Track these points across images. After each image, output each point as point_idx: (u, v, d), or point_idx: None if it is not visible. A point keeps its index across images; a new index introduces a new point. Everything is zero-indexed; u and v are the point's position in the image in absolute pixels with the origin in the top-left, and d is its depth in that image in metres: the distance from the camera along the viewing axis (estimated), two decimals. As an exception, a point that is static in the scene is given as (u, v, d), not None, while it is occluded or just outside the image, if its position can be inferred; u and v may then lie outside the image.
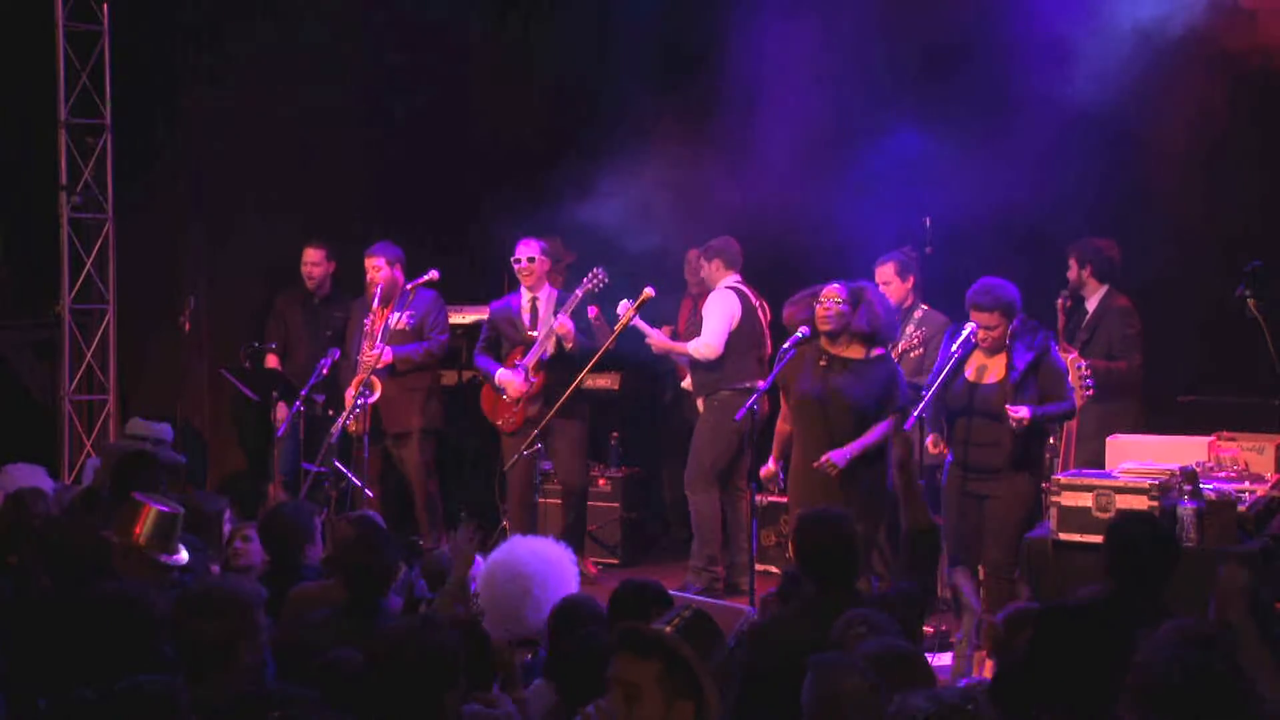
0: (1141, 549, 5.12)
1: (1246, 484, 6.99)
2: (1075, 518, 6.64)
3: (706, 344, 9.04)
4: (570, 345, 8.85)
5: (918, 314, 8.78)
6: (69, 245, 10.46)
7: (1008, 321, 7.34)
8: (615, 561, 9.85)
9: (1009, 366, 7.29)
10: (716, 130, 10.33)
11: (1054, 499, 6.76)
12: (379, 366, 9.06)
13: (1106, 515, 6.55)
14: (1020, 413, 7.09)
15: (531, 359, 8.98)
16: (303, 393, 8.92)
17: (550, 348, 8.92)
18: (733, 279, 9.24)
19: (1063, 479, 6.83)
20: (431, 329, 9.37)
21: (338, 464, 8.94)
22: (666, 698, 3.23)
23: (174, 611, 4.09)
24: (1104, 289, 8.89)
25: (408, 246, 9.58)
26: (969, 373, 7.36)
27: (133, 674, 3.56)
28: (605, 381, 10.19)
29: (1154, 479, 6.63)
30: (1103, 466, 7.41)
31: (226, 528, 6.51)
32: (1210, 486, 6.78)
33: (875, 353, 7.40)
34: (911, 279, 8.92)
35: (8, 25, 10.31)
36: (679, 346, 9.19)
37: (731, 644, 4.37)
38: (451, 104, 10.72)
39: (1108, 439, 7.75)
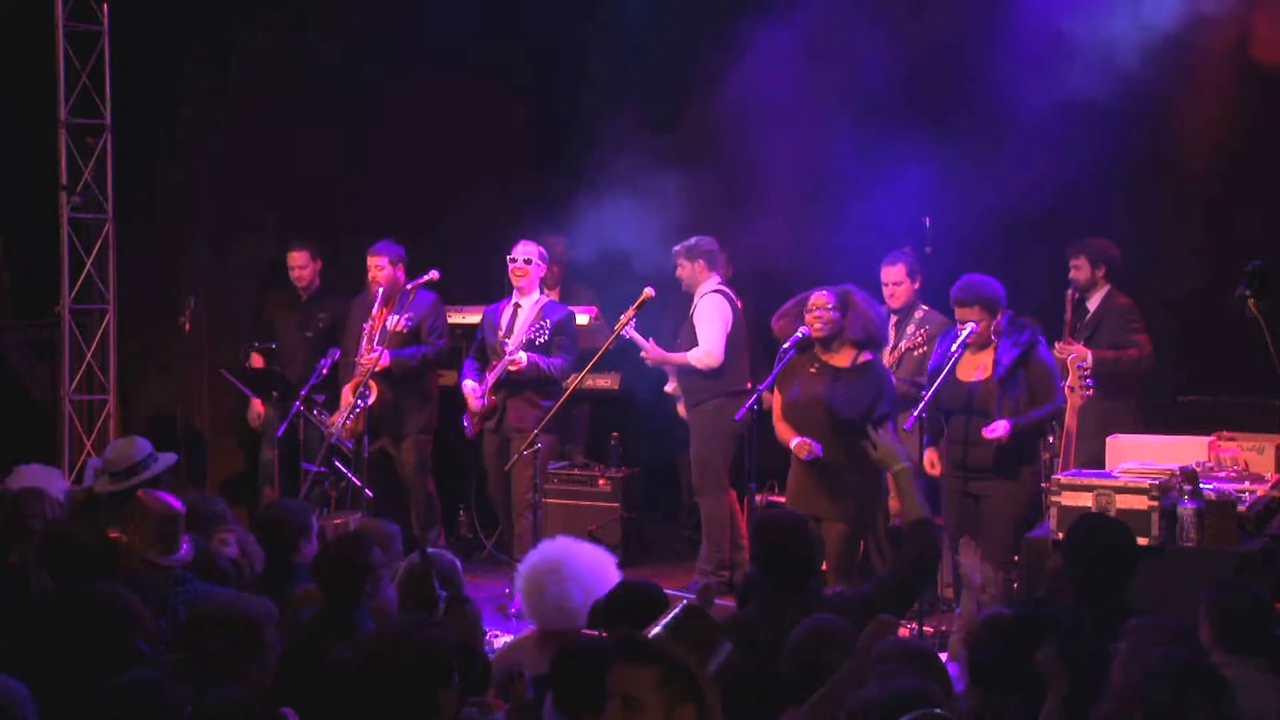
0: (1095, 557, 5.03)
1: (1246, 484, 6.99)
2: (1075, 518, 6.63)
3: (708, 353, 8.99)
4: (521, 368, 8.80)
5: (918, 314, 8.76)
6: (69, 245, 10.46)
7: (990, 317, 7.34)
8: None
9: (995, 363, 7.29)
10: (716, 133, 10.36)
11: (1054, 499, 6.75)
12: (376, 370, 9.04)
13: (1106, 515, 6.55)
14: (996, 431, 7.10)
15: (490, 379, 8.95)
16: (302, 392, 8.91)
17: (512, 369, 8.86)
18: (715, 281, 9.20)
19: (1063, 479, 6.82)
20: (430, 333, 9.35)
21: (337, 464, 8.94)
22: (668, 704, 3.15)
23: (186, 626, 4.11)
24: (1106, 288, 8.89)
25: (410, 246, 9.58)
26: (958, 372, 7.36)
27: (111, 672, 3.56)
28: (605, 381, 10.18)
29: (1154, 479, 6.62)
30: (1103, 466, 7.41)
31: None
32: (1210, 486, 6.77)
33: (863, 358, 7.40)
34: (918, 280, 8.91)
35: (7, 25, 10.32)
36: (677, 357, 9.12)
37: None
38: (451, 104, 10.71)
39: (1108, 439, 7.74)
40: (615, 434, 10.04)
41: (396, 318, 9.22)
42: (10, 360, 10.75)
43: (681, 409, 9.33)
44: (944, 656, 6.73)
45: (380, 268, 9.31)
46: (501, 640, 7.13)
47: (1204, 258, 9.48)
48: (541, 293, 9.27)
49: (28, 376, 10.78)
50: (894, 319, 8.69)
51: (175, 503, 5.58)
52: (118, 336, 10.65)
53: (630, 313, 8.53)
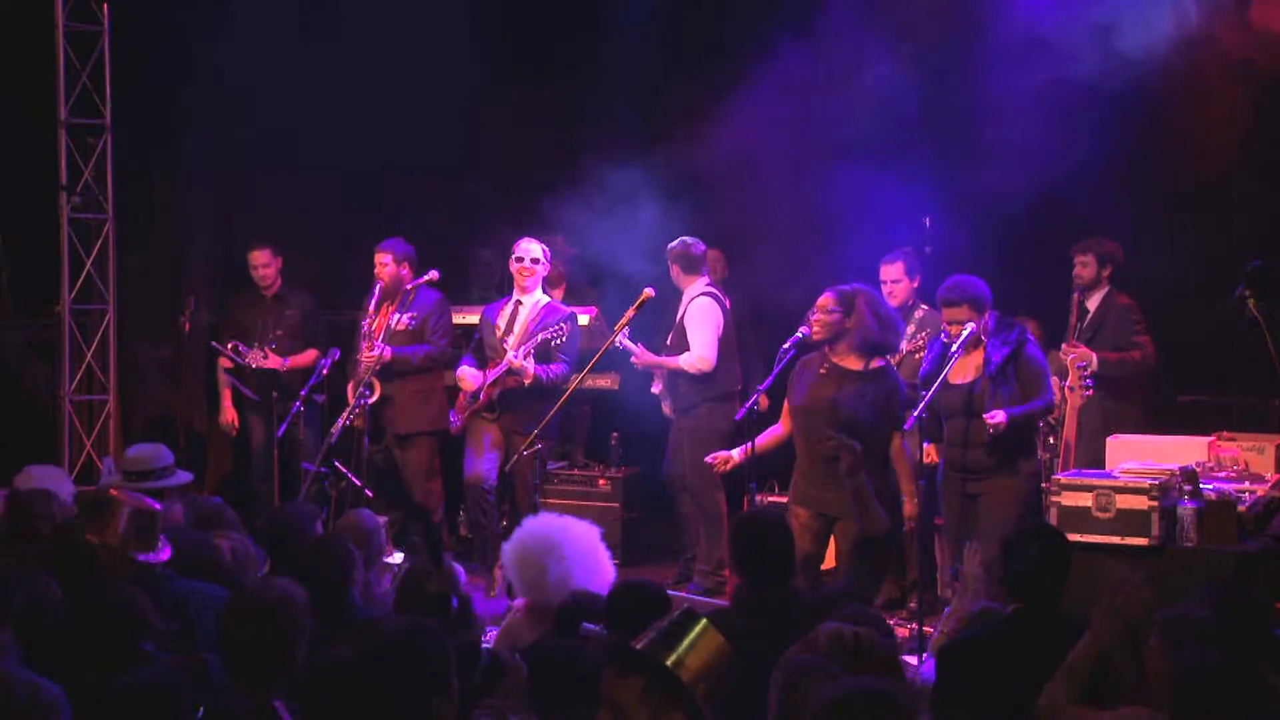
0: (1034, 563, 4.96)
1: (1246, 484, 6.99)
2: (1075, 518, 6.63)
3: (701, 357, 8.94)
4: (529, 382, 8.80)
5: (919, 314, 8.77)
6: (69, 245, 10.46)
7: (978, 316, 7.33)
8: (615, 562, 9.82)
9: (985, 362, 7.30)
10: (716, 133, 10.36)
11: (1054, 499, 6.75)
12: (378, 367, 9.05)
13: (1107, 515, 6.55)
14: (996, 418, 7.09)
15: (491, 375, 8.92)
16: (302, 392, 8.92)
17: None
18: (704, 283, 9.18)
19: (1063, 479, 6.82)
20: (432, 332, 9.34)
21: (338, 464, 8.94)
22: (652, 713, 3.15)
23: (224, 619, 4.07)
24: (1107, 288, 8.89)
25: (418, 244, 9.60)
26: (950, 373, 7.35)
27: (119, 672, 3.56)
28: (605, 381, 10.18)
29: (1154, 479, 6.62)
30: (1103, 466, 7.41)
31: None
32: (1210, 486, 6.78)
33: (875, 364, 7.15)
34: (917, 279, 8.90)
35: (8, 25, 10.31)
36: (669, 362, 9.10)
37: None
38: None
39: (1108, 439, 7.75)
40: (615, 434, 10.04)
41: (400, 316, 9.22)
42: (10, 360, 10.75)
43: (667, 408, 9.33)
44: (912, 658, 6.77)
45: (384, 264, 9.28)
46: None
47: (1203, 258, 9.49)
48: (544, 292, 9.27)
49: (28, 376, 10.78)
50: None
51: (152, 502, 5.56)
52: (117, 336, 10.65)
53: (629, 314, 8.51)
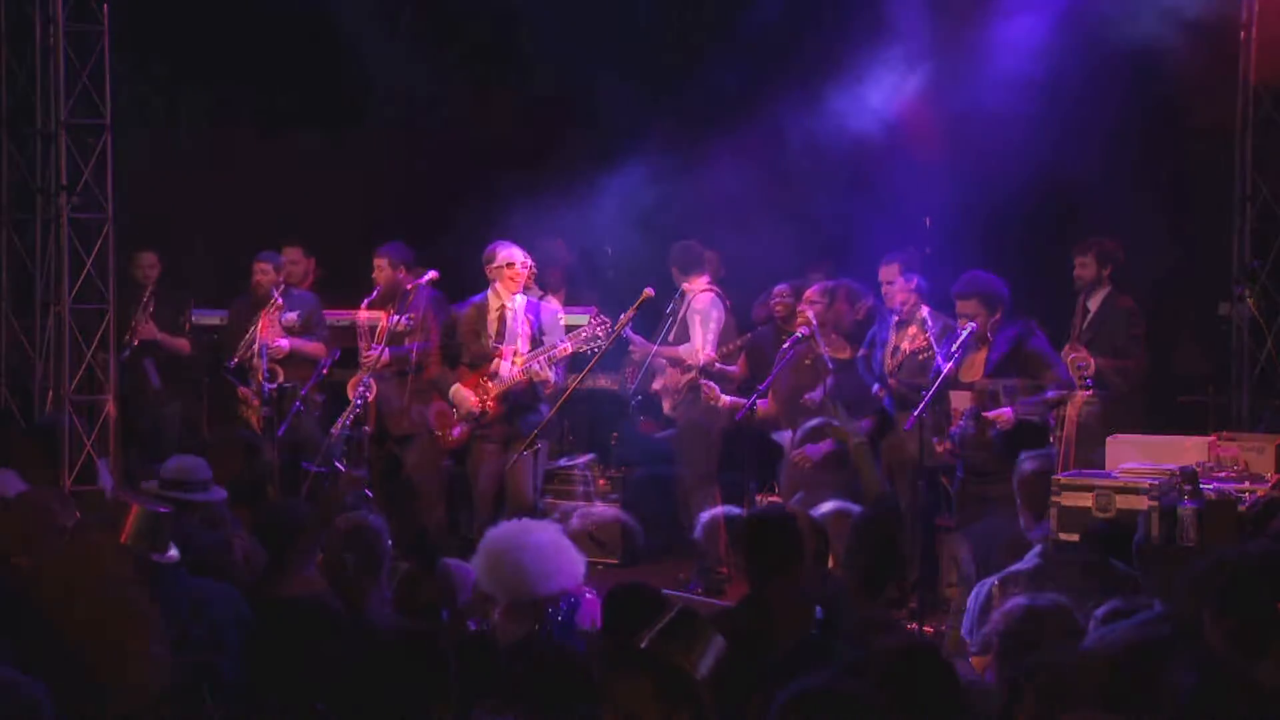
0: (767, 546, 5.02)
1: (1246, 484, 6.98)
2: (1075, 518, 6.63)
3: (700, 350, 9.11)
4: (549, 390, 8.90)
5: (921, 314, 8.80)
6: (69, 245, 10.44)
7: (988, 312, 7.39)
8: (614, 561, 9.84)
9: (987, 361, 7.33)
10: (711, 134, 10.41)
11: (1054, 499, 6.75)
12: (377, 368, 9.09)
13: (1107, 515, 6.55)
14: (1002, 414, 7.11)
15: (497, 389, 8.92)
16: (303, 392, 8.94)
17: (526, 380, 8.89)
18: (704, 281, 9.34)
19: (1063, 479, 6.82)
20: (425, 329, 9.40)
21: (338, 464, 8.95)
22: (663, 712, 3.13)
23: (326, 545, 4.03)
24: (1108, 289, 8.90)
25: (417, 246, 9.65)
26: (961, 371, 7.39)
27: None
28: (605, 382, 10.20)
29: (1154, 479, 6.62)
30: (1103, 466, 7.41)
31: None
32: (1210, 486, 6.77)
33: (862, 352, 7.73)
34: (915, 280, 8.94)
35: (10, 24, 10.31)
36: (668, 351, 9.22)
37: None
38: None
39: (1108, 439, 7.74)
40: (615, 434, 10.06)
41: (398, 317, 9.26)
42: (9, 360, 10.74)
43: (667, 405, 9.39)
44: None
45: (380, 268, 9.37)
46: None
47: (1201, 258, 9.51)
48: (548, 294, 9.41)
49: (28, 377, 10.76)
50: (894, 319, 8.73)
51: (162, 507, 5.57)
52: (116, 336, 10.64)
53: (630, 313, 8.54)
